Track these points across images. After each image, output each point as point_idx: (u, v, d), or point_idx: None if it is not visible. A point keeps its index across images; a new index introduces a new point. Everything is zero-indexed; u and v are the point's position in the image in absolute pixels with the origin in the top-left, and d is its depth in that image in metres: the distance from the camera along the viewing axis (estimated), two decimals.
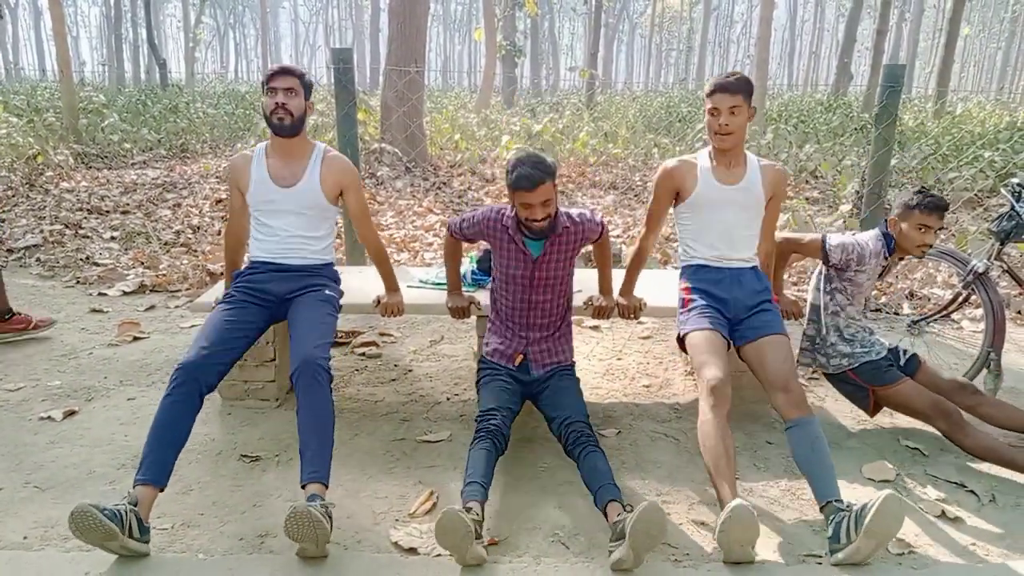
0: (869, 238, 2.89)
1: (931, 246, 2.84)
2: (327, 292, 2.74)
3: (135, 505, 2.11)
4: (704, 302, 2.72)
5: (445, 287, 3.18)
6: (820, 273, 3.02)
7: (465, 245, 3.02)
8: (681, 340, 2.75)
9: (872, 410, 2.96)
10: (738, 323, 2.71)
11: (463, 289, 3.12)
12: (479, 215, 2.73)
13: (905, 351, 3.00)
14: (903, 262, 3.03)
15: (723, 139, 2.65)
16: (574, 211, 2.68)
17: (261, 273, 2.75)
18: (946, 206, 2.81)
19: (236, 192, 2.82)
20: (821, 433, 2.37)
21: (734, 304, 2.72)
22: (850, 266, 2.88)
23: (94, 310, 4.42)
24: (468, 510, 2.09)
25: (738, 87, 2.59)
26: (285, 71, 2.68)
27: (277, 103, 2.63)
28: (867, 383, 2.89)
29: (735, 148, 2.70)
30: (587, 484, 2.32)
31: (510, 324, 2.76)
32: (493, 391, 2.60)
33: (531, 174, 2.43)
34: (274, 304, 2.71)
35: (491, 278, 2.83)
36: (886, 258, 2.90)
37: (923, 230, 2.79)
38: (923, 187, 2.90)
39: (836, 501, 2.21)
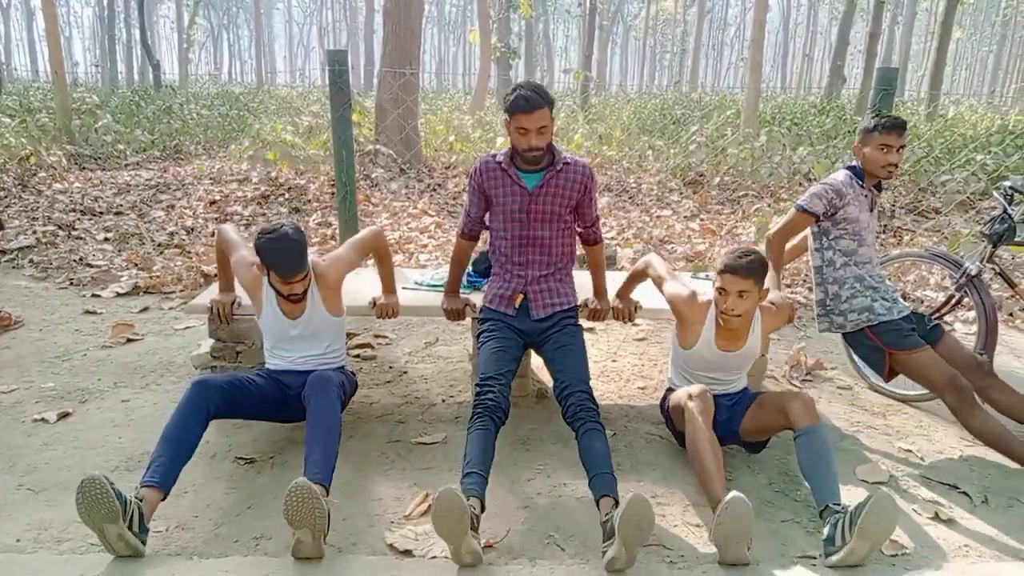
0: (836, 174, 3.00)
1: (896, 165, 2.90)
2: (339, 374, 2.73)
3: (141, 501, 2.13)
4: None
5: (440, 289, 3.18)
6: (814, 234, 3.05)
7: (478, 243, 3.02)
8: (667, 412, 2.77)
9: (888, 374, 2.95)
10: (726, 422, 2.68)
11: (460, 291, 3.12)
12: (470, 180, 2.75)
13: (930, 317, 3.02)
14: (885, 191, 3.09)
15: (727, 320, 2.55)
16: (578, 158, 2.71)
17: (278, 372, 2.75)
18: (903, 124, 2.88)
19: (249, 281, 2.75)
20: (829, 439, 2.39)
21: (719, 409, 2.67)
22: (835, 206, 2.92)
23: (87, 311, 4.41)
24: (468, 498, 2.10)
25: (750, 271, 2.45)
26: (293, 277, 2.53)
27: (292, 293, 2.59)
28: (885, 345, 2.89)
29: (741, 325, 2.61)
30: (584, 464, 2.32)
31: (509, 266, 2.76)
32: (491, 354, 2.59)
33: (530, 96, 2.45)
34: (291, 396, 2.70)
35: (489, 221, 2.81)
36: (861, 186, 2.95)
37: (885, 150, 2.88)
38: (879, 111, 2.96)
39: (834, 504, 2.23)
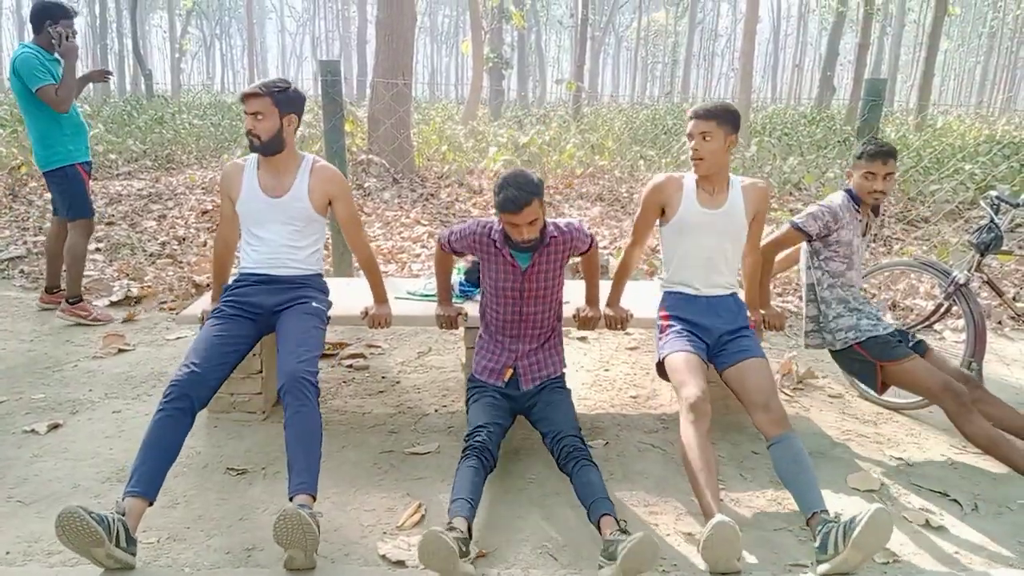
0: (834, 196, 3.05)
1: (883, 192, 2.95)
2: (314, 304, 2.74)
3: (124, 515, 2.10)
4: (681, 327, 2.76)
5: (433, 299, 3.18)
6: (806, 252, 3.10)
7: (455, 257, 3.03)
8: (660, 365, 2.78)
9: (880, 388, 2.98)
10: (718, 350, 2.74)
11: (451, 300, 3.12)
12: (467, 229, 2.74)
13: (912, 335, 3.06)
14: (880, 219, 3.13)
15: (695, 164, 2.71)
16: (562, 221, 2.70)
17: (249, 285, 2.75)
18: (888, 151, 2.91)
19: (227, 200, 2.83)
20: (803, 447, 2.40)
21: (713, 331, 2.76)
22: (830, 229, 2.97)
23: (79, 323, 4.38)
24: (452, 528, 2.09)
25: (710, 114, 2.65)
26: (251, 94, 2.63)
27: (247, 128, 2.65)
28: (875, 358, 2.92)
29: (713, 174, 2.74)
30: (580, 498, 2.32)
31: (499, 338, 2.77)
32: (481, 409, 2.60)
33: (516, 196, 2.43)
34: (263, 316, 2.71)
35: (480, 292, 2.84)
36: (857, 210, 3.01)
37: (869, 178, 2.94)
38: (871, 138, 3.02)
39: (823, 512, 2.23)
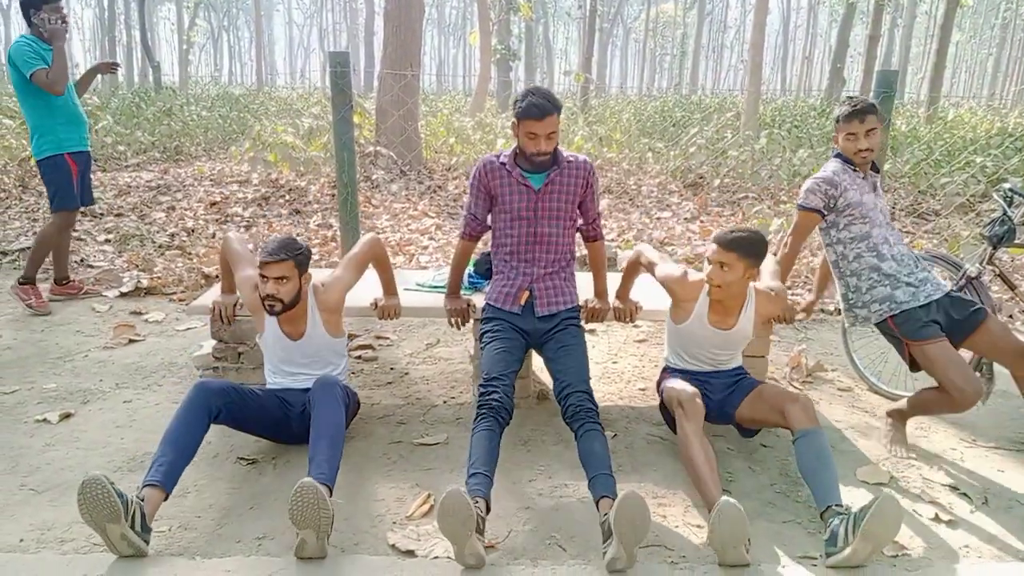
0: (827, 165, 2.97)
1: (869, 150, 2.84)
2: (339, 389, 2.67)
3: (143, 501, 2.14)
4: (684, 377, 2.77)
5: (442, 290, 3.18)
6: (821, 233, 3.02)
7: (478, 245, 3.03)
8: (663, 406, 2.79)
9: (911, 364, 2.85)
10: (722, 402, 2.74)
11: (461, 292, 3.12)
12: (473, 180, 2.76)
13: (972, 301, 2.86)
14: (878, 176, 3.00)
15: (711, 291, 2.64)
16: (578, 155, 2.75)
17: (277, 395, 2.75)
18: (863, 108, 2.81)
19: (253, 301, 2.74)
20: (827, 444, 2.40)
21: (714, 389, 2.76)
22: (832, 197, 2.89)
23: (93, 309, 4.41)
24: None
25: (732, 245, 2.54)
26: (276, 261, 2.53)
27: (268, 293, 2.55)
28: (902, 335, 2.80)
29: (729, 300, 2.67)
30: (584, 466, 2.34)
31: (514, 262, 2.78)
32: (495, 354, 2.60)
33: (542, 104, 2.49)
34: (291, 410, 2.72)
35: (492, 221, 2.83)
36: (855, 170, 2.91)
37: (851, 138, 2.86)
38: (848, 98, 2.94)
39: (836, 505, 2.23)
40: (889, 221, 2.99)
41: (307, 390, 2.68)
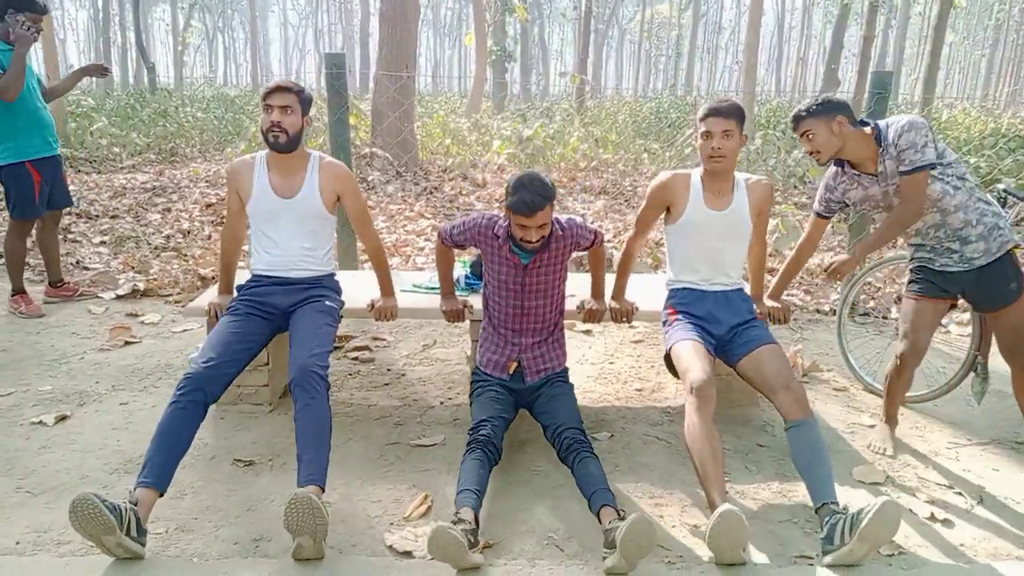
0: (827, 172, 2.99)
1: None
2: (327, 303, 2.76)
3: (135, 505, 2.12)
4: (688, 320, 2.76)
5: (438, 291, 3.19)
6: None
7: (457, 251, 3.03)
8: (667, 357, 2.77)
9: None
10: (728, 342, 2.73)
11: (457, 294, 3.13)
12: (470, 223, 2.74)
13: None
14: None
15: (716, 162, 2.66)
16: (563, 217, 2.69)
17: (264, 286, 2.77)
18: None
19: (235, 196, 2.84)
20: (821, 436, 2.40)
21: (723, 323, 2.75)
22: (833, 199, 2.94)
23: (88, 310, 4.40)
24: (459, 521, 2.10)
25: (731, 112, 2.62)
26: (282, 88, 2.65)
27: (272, 121, 2.63)
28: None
29: (726, 172, 2.73)
30: (581, 490, 2.33)
31: (502, 331, 2.77)
32: (485, 402, 2.62)
33: (532, 201, 2.42)
34: (277, 317, 2.73)
35: (483, 284, 2.85)
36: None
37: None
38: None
39: (832, 503, 2.24)
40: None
41: (292, 285, 2.72)
